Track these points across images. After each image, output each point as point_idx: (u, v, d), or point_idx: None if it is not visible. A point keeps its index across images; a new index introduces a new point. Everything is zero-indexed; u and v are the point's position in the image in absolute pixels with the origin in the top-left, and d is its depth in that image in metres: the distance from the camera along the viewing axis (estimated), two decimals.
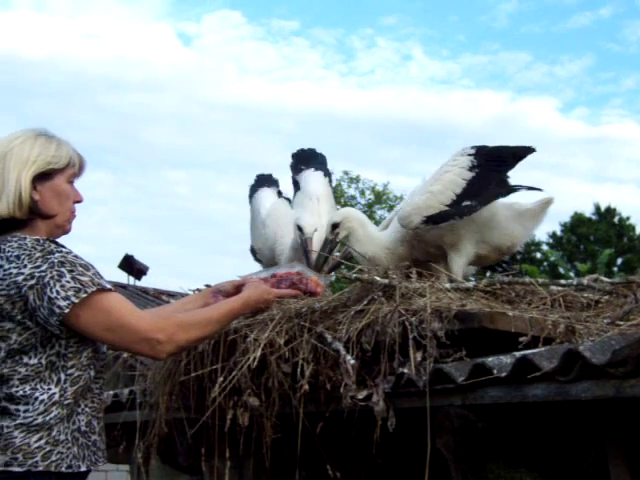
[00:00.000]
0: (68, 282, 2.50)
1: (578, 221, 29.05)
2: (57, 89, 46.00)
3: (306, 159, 5.12)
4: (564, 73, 49.92)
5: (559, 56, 53.86)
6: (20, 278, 2.50)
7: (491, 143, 4.22)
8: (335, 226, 4.09)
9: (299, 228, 4.31)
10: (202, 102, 47.12)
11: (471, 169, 3.88)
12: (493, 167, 3.92)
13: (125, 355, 4.41)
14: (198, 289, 3.58)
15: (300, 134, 44.06)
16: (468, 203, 3.83)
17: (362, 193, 29.19)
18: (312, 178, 4.96)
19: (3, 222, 2.63)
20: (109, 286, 2.60)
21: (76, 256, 2.59)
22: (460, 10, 51.24)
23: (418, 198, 3.91)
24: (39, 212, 2.67)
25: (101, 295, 2.56)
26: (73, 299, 2.49)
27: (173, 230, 47.03)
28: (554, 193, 4.10)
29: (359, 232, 4.08)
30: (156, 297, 11.12)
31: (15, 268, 2.51)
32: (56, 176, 2.71)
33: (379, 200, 28.92)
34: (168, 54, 48.23)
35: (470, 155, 3.93)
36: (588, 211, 29.83)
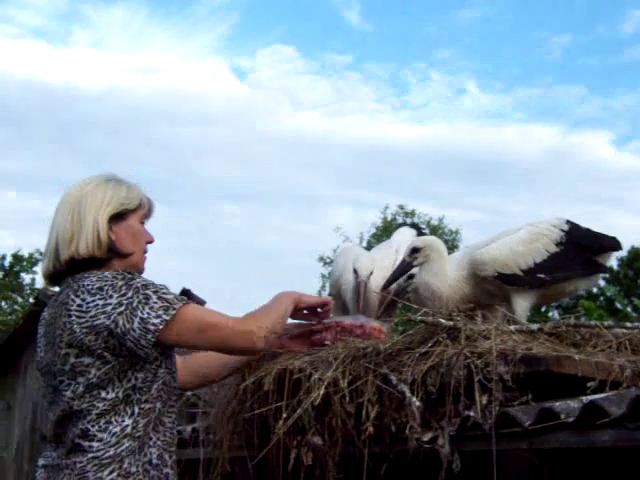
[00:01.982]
0: (156, 303, 2.65)
1: (635, 255, 28.53)
2: (113, 123, 46.85)
3: None
4: (619, 106, 49.52)
5: (614, 89, 53.49)
6: (109, 308, 2.62)
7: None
8: (415, 250, 4.10)
9: (354, 270, 4.31)
10: (256, 136, 47.74)
11: (558, 245, 3.99)
12: (578, 251, 4.05)
13: (188, 393, 4.45)
14: None
15: (354, 168, 44.32)
16: (542, 276, 3.96)
17: None
18: (402, 229, 5.24)
19: (82, 262, 2.75)
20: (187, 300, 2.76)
21: (152, 281, 2.75)
22: (514, 43, 51.26)
23: (499, 252, 3.95)
24: (117, 251, 2.82)
25: (186, 307, 2.71)
26: (164, 317, 2.64)
27: (227, 263, 47.46)
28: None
29: (435, 263, 4.07)
30: None
31: (101, 299, 2.63)
32: (129, 216, 2.86)
33: (434, 234, 28.83)
34: (222, 88, 48.94)
35: (563, 231, 4.02)
36: None
